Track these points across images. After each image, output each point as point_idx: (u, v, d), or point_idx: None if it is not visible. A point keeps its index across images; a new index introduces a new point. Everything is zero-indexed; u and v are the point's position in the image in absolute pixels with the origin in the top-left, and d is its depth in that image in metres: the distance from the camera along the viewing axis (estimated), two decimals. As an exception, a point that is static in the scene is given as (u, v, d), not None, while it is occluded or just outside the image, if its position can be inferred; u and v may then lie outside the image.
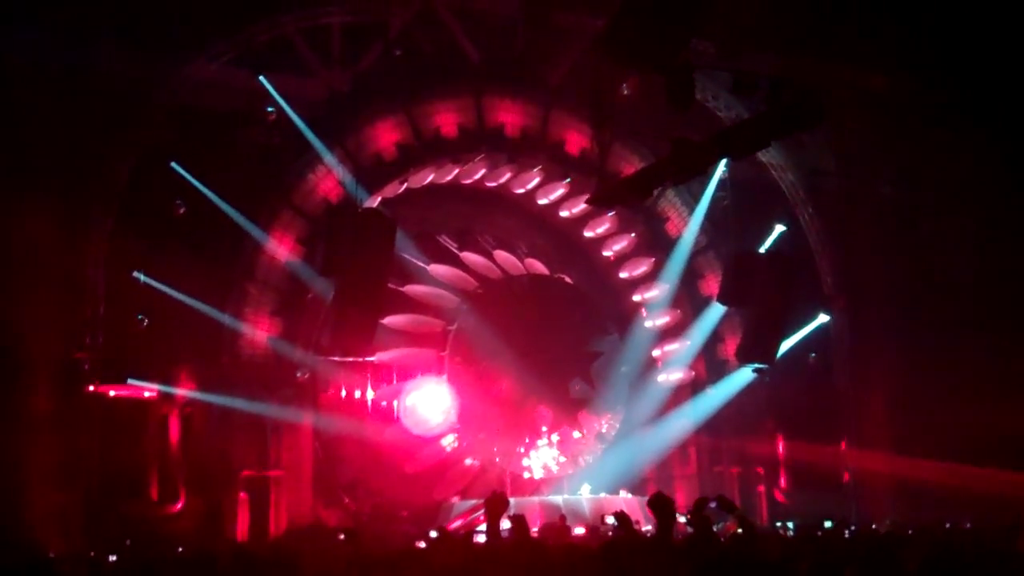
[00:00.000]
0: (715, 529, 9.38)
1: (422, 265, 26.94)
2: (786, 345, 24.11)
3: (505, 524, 8.45)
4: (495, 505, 7.58)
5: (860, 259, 26.54)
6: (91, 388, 19.99)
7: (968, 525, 19.10)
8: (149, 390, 20.80)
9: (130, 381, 20.51)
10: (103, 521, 18.81)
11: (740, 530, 8.67)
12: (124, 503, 19.71)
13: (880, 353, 26.11)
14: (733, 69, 17.53)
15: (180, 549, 16.86)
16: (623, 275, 28.22)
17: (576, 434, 28.55)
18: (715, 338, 26.85)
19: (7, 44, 18.64)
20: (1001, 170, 23.12)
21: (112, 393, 20.32)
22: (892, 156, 26.24)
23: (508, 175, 26.10)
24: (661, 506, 6.25)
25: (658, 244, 27.37)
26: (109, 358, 20.23)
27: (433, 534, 17.06)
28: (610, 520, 16.45)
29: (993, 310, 23.99)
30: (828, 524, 22.58)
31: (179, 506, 20.74)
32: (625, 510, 8.50)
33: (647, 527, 21.67)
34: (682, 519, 10.22)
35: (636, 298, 28.34)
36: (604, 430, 28.88)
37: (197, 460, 21.06)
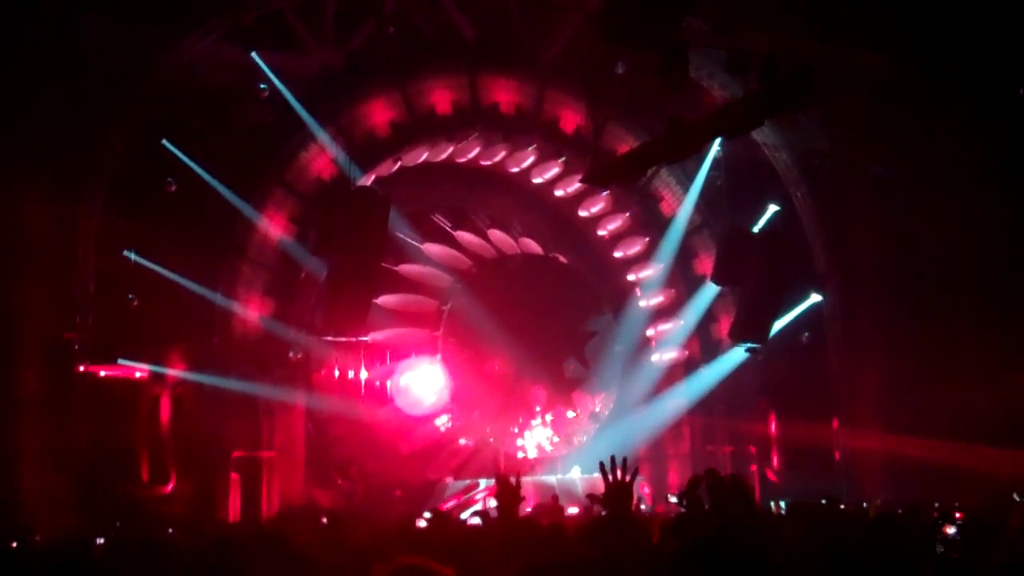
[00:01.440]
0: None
1: (416, 244, 26.85)
2: (779, 325, 24.16)
3: (492, 503, 8.39)
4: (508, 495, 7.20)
5: (853, 239, 26.52)
6: (81, 368, 19.82)
7: (956, 504, 19.09)
8: (140, 370, 20.66)
9: (121, 361, 20.37)
10: (93, 502, 18.70)
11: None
12: (115, 484, 19.57)
13: (873, 333, 26.12)
14: (728, 48, 17.47)
15: (171, 530, 16.80)
16: (617, 254, 28.14)
17: (570, 414, 28.55)
18: (709, 317, 26.83)
19: (-3, 23, 18.47)
20: (995, 151, 23.08)
21: (103, 373, 20.17)
22: (887, 136, 26.15)
23: (503, 154, 25.98)
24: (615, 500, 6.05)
25: (652, 223, 27.31)
26: (100, 338, 20.05)
27: (427, 515, 17.04)
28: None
29: (986, 290, 23.98)
30: (823, 502, 22.60)
31: (170, 487, 20.61)
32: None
33: (642, 506, 21.77)
34: (673, 499, 10.25)
35: (630, 277, 28.27)
36: (598, 410, 28.88)
37: (188, 441, 20.95)
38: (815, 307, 26.50)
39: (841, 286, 26.64)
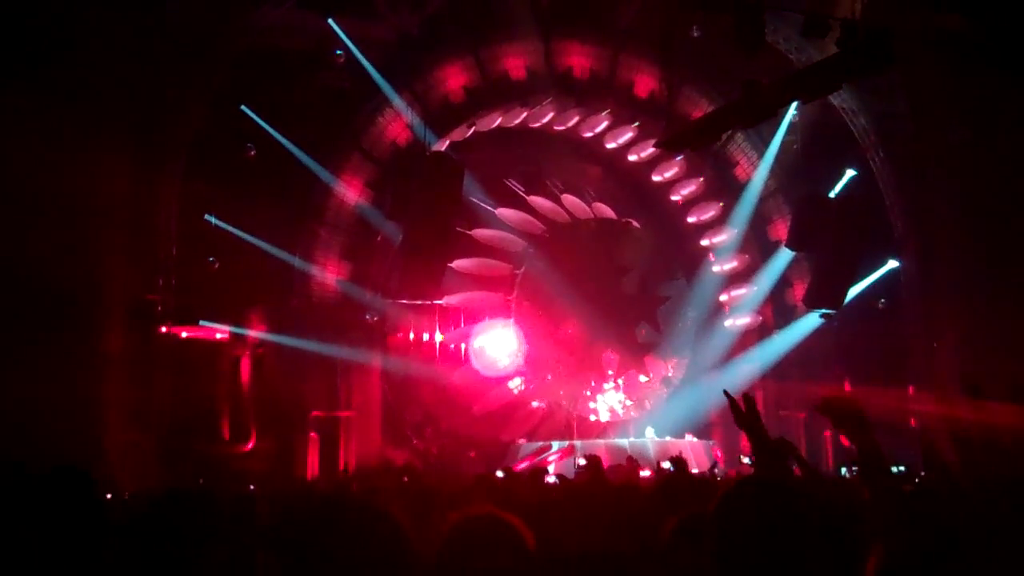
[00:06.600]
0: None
1: (490, 209, 26.99)
2: (854, 291, 23.93)
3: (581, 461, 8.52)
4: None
5: (932, 204, 26.05)
6: (164, 329, 20.34)
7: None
8: (221, 331, 21.12)
9: (202, 323, 20.85)
10: (177, 459, 19.14)
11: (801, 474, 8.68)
12: (197, 442, 20.04)
13: (950, 298, 25.67)
14: (804, 11, 17.30)
15: (252, 487, 17.19)
16: (691, 219, 28.06)
17: (642, 378, 28.64)
18: (783, 283, 26.65)
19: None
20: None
21: (185, 334, 20.67)
22: (966, 99, 25.64)
23: (576, 118, 26.00)
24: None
25: (727, 188, 27.16)
26: (181, 300, 20.56)
27: (499, 473, 17.26)
28: (666, 464, 16.60)
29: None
30: (897, 470, 22.42)
31: (250, 445, 21.10)
32: (687, 454, 8.58)
33: (715, 470, 21.79)
34: (746, 460, 10.33)
35: (704, 243, 28.18)
36: (670, 374, 28.93)
37: (268, 400, 21.41)
38: (891, 273, 26.15)
39: (918, 251, 26.20)
